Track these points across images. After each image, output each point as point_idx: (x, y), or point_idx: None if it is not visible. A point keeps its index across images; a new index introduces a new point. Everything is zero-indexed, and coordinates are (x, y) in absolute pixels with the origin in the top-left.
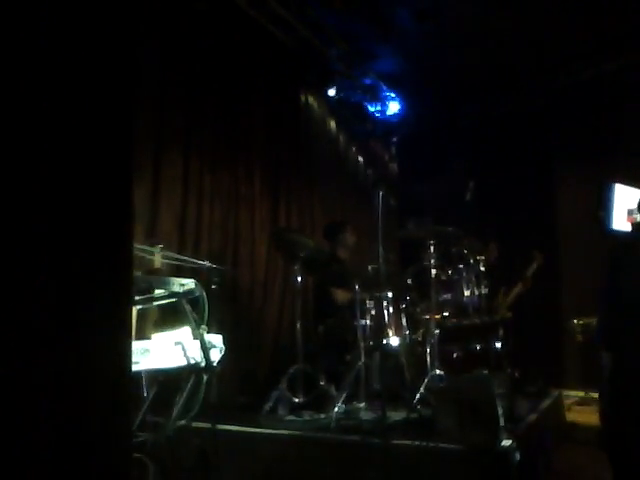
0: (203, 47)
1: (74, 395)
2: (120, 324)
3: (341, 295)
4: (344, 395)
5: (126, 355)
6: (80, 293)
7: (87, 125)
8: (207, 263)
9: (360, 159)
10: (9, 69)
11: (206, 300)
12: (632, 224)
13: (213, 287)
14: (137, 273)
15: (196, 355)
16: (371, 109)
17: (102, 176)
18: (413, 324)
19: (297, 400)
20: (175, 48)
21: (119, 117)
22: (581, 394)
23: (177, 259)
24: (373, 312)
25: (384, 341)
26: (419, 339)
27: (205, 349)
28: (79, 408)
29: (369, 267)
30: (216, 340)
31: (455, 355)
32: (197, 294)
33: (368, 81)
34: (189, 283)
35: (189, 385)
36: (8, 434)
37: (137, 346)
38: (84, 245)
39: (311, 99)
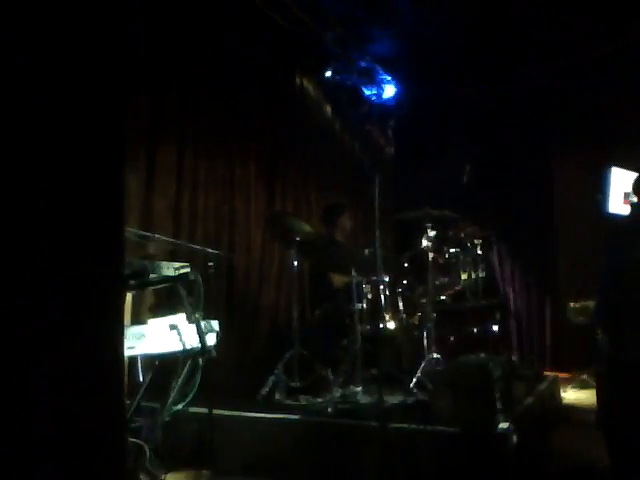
0: (197, 31)
1: (68, 382)
2: (113, 310)
3: (337, 279)
4: (341, 379)
5: (120, 341)
6: (72, 280)
7: (78, 113)
8: (202, 247)
9: (356, 143)
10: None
11: (201, 285)
12: (631, 205)
13: (209, 271)
14: (132, 258)
15: (192, 340)
16: (367, 92)
17: (93, 162)
18: (410, 308)
19: (294, 384)
20: (168, 33)
21: (111, 103)
22: (577, 376)
23: (172, 243)
24: (370, 296)
25: (381, 325)
26: (416, 323)
27: (201, 334)
28: (73, 394)
29: (365, 251)
30: (212, 325)
31: (452, 339)
32: (192, 278)
33: (364, 64)
34: (184, 267)
35: (185, 370)
36: (3, 422)
37: (133, 331)
38: (75, 232)
39: (306, 83)
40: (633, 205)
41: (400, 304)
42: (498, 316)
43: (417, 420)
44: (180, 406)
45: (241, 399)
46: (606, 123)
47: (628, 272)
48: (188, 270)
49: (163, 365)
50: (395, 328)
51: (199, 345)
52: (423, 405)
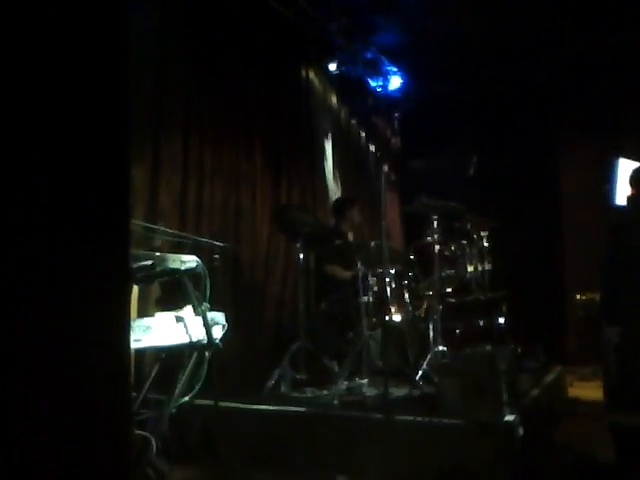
0: (202, 22)
1: (75, 375)
2: (119, 303)
3: (343, 272)
4: (347, 372)
5: (126, 333)
6: (78, 273)
7: (82, 106)
8: (208, 240)
9: (362, 135)
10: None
11: (208, 277)
12: (627, 198)
13: (215, 264)
14: (138, 251)
15: (198, 332)
16: (373, 84)
17: (98, 154)
18: (416, 300)
19: (300, 377)
20: (173, 24)
21: (115, 95)
22: (583, 369)
23: (178, 236)
24: (375, 288)
25: (387, 317)
26: (422, 315)
27: (207, 326)
28: (80, 388)
29: (372, 243)
30: (218, 317)
31: (458, 331)
32: (199, 271)
33: (369, 55)
34: (191, 260)
35: (191, 362)
36: (9, 413)
37: (139, 324)
38: (81, 225)
39: (312, 74)
40: (629, 199)
41: (406, 296)
42: (504, 308)
43: (423, 412)
44: (186, 398)
45: (247, 391)
46: (613, 114)
47: (631, 266)
48: (195, 263)
49: (169, 358)
50: (401, 320)
51: (205, 338)
52: (429, 397)
